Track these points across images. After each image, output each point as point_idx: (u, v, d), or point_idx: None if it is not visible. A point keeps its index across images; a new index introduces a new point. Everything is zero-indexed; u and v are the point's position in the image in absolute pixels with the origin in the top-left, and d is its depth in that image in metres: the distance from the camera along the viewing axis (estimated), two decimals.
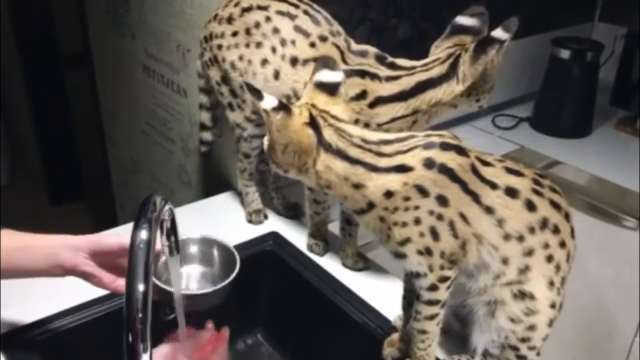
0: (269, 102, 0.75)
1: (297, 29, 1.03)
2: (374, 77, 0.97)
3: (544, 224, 0.79)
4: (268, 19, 1.05)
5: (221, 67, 1.11)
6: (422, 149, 0.75)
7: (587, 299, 1.56)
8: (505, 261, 0.79)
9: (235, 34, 1.07)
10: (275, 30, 1.04)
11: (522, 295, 0.80)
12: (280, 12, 1.04)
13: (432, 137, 0.76)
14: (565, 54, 1.67)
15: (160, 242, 0.73)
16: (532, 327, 0.80)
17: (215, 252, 0.94)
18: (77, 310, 0.97)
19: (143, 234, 0.59)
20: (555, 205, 0.80)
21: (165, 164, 1.75)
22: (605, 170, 1.57)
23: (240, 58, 1.07)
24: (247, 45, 1.06)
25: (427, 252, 0.76)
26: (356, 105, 0.97)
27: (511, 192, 0.77)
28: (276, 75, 1.04)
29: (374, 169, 0.75)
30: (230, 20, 1.08)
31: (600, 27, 1.96)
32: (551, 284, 0.80)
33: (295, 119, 0.75)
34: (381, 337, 0.95)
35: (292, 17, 1.04)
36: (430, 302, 0.80)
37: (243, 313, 1.12)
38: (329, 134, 0.76)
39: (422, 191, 0.74)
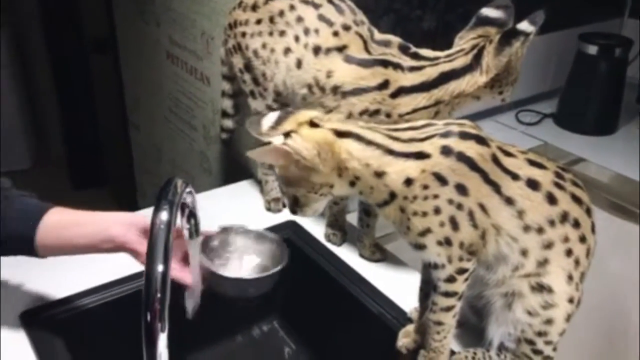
0: (277, 139, 0.75)
1: (321, 17, 1.02)
2: (396, 67, 0.97)
3: (564, 217, 0.78)
4: (292, 7, 1.05)
5: (244, 54, 1.11)
6: (440, 137, 0.75)
7: (606, 298, 1.55)
8: (524, 253, 0.78)
9: (259, 21, 1.08)
10: (299, 19, 1.04)
11: (540, 287, 0.79)
12: (304, 1, 1.04)
13: (451, 126, 0.76)
14: (592, 49, 1.64)
15: (180, 225, 0.74)
16: (549, 321, 0.80)
17: (266, 245, 0.97)
18: (98, 290, 0.99)
19: (163, 216, 0.60)
20: (576, 199, 0.80)
21: (187, 151, 1.77)
22: (630, 169, 1.54)
23: (264, 46, 1.08)
24: (271, 34, 1.07)
25: (447, 242, 0.76)
26: (378, 95, 0.97)
27: (532, 184, 0.77)
28: (298, 64, 1.04)
29: (389, 151, 0.75)
30: (254, 7, 1.08)
31: (630, 23, 1.92)
32: (570, 278, 0.79)
33: (307, 133, 0.75)
34: (396, 328, 0.95)
35: (317, 5, 1.03)
36: (447, 294, 0.80)
37: (260, 300, 1.13)
38: (335, 124, 0.77)
39: (441, 179, 0.74)
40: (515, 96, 1.78)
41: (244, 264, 0.96)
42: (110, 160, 2.83)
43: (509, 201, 0.76)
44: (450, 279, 0.78)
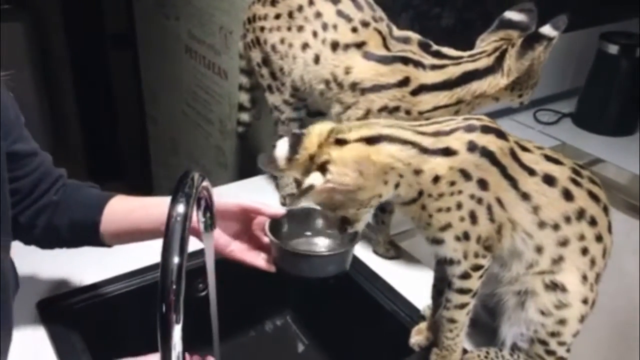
0: (315, 178, 0.70)
1: (340, 13, 1.03)
2: (417, 64, 0.97)
3: (580, 214, 0.78)
4: (311, 2, 1.05)
5: (263, 49, 1.12)
6: (464, 131, 0.74)
7: (623, 300, 1.53)
8: (539, 250, 0.78)
9: (278, 16, 1.08)
10: (318, 14, 1.04)
11: (554, 286, 0.79)
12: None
13: (471, 120, 0.75)
14: (613, 49, 1.62)
15: (196, 217, 0.74)
16: (562, 322, 0.79)
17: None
18: (114, 281, 1.00)
19: (180, 208, 0.60)
20: (593, 196, 0.79)
21: (203, 145, 1.78)
22: None
23: (282, 41, 1.08)
24: (289, 29, 1.07)
25: (465, 237, 0.75)
26: (398, 92, 0.97)
27: (549, 180, 0.77)
28: (316, 59, 1.04)
29: (423, 149, 0.73)
30: (274, 2, 1.09)
31: None
32: (584, 278, 0.79)
33: (340, 157, 0.71)
34: (409, 325, 0.95)
35: (335, 1, 1.04)
36: (462, 291, 0.80)
37: (273, 294, 1.13)
38: (360, 131, 0.73)
39: (466, 175, 0.73)
40: (534, 95, 1.77)
41: (319, 242, 0.92)
42: (128, 154, 2.85)
43: (525, 196, 0.76)
44: (465, 276, 0.78)
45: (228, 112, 1.57)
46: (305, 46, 1.05)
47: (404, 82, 0.96)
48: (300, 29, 1.05)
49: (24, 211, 0.86)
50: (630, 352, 1.58)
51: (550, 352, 0.81)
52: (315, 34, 1.04)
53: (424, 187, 0.74)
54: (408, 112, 0.97)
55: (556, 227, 0.77)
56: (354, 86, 1.00)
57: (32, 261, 1.02)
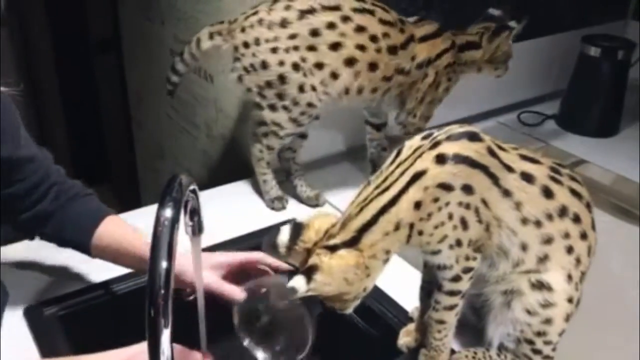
0: (299, 283, 0.71)
1: (382, 21, 1.14)
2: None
3: (562, 211, 0.78)
4: (347, 18, 1.11)
5: (270, 70, 1.12)
6: (429, 150, 0.75)
7: (609, 301, 1.55)
8: (524, 247, 0.78)
9: (293, 36, 1.10)
10: (360, 28, 1.12)
11: (539, 285, 0.80)
12: (358, 10, 1.12)
13: (437, 137, 0.76)
14: (595, 51, 1.65)
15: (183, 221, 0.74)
16: (548, 321, 0.80)
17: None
18: (101, 286, 1.00)
19: (168, 213, 0.60)
20: (575, 194, 0.80)
21: (189, 149, 1.77)
22: (632, 171, 1.54)
23: (303, 60, 1.11)
24: (312, 48, 1.11)
25: (458, 244, 0.76)
26: (450, 53, 1.24)
27: (527, 177, 0.78)
28: (372, 67, 1.14)
29: (391, 203, 0.74)
30: (284, 24, 1.10)
31: (633, 25, 1.92)
32: (569, 277, 0.80)
33: (328, 266, 0.73)
34: (397, 327, 0.95)
35: (371, 12, 1.13)
36: (452, 293, 0.80)
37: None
38: (346, 234, 0.75)
39: (447, 187, 0.74)
40: (518, 97, 1.80)
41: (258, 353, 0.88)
42: (114, 158, 2.83)
43: (507, 193, 0.76)
44: (456, 278, 0.79)
45: (214, 116, 1.57)
46: (350, 61, 1.12)
47: (453, 45, 1.25)
48: (336, 46, 1.11)
49: (19, 215, 0.89)
50: (617, 350, 1.60)
51: (537, 351, 0.82)
52: (362, 48, 1.12)
53: (410, 220, 0.74)
54: (456, 63, 1.26)
55: (538, 223, 0.78)
56: (420, 65, 1.21)
57: (19, 268, 1.01)
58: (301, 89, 1.13)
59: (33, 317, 0.93)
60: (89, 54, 2.62)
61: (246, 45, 1.13)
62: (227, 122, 1.52)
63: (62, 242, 0.93)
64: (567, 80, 1.74)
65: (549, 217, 0.78)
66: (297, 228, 0.77)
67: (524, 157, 0.80)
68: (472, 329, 0.92)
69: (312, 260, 0.74)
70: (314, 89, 1.14)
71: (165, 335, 0.57)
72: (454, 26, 1.28)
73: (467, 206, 0.75)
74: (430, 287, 0.86)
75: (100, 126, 2.84)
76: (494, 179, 0.76)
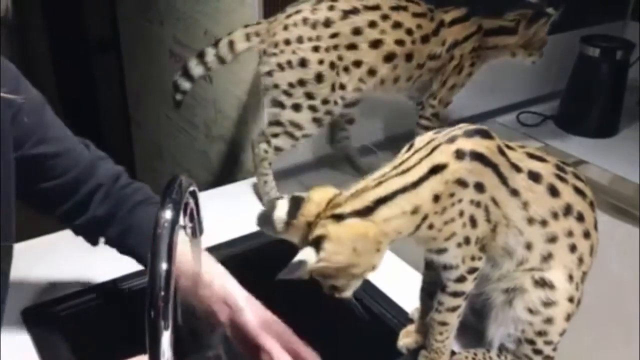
0: (308, 255, 0.69)
1: (415, 15, 1.21)
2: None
3: (567, 210, 0.79)
4: (386, 17, 1.17)
5: (309, 69, 1.14)
6: (447, 143, 0.74)
7: (608, 301, 1.55)
8: (529, 246, 0.79)
9: (334, 35, 1.14)
10: (397, 24, 1.18)
11: (542, 282, 0.79)
12: (394, 8, 1.19)
13: (451, 133, 0.76)
14: (594, 52, 1.64)
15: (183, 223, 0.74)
16: (549, 320, 0.80)
17: None
18: (100, 287, 0.99)
19: (168, 214, 0.60)
20: (579, 192, 0.80)
21: (188, 150, 1.77)
22: (631, 171, 1.54)
23: (340, 58, 1.15)
24: (352, 46, 1.15)
25: (466, 242, 0.75)
26: (477, 37, 1.30)
27: (534, 176, 0.78)
28: (408, 57, 1.21)
29: (413, 185, 0.72)
30: (327, 23, 1.14)
31: (632, 26, 1.92)
32: (571, 277, 0.80)
33: (336, 234, 0.70)
34: (397, 328, 0.95)
35: (405, 8, 1.20)
36: (456, 294, 0.80)
37: (259, 298, 1.13)
38: (354, 203, 0.72)
39: (462, 183, 0.73)
40: (517, 98, 1.80)
41: None
42: (112, 158, 2.83)
43: (515, 193, 0.76)
44: (461, 279, 0.79)
45: (213, 116, 1.57)
46: (389, 57, 1.18)
47: (479, 29, 1.30)
48: (376, 43, 1.17)
49: (69, 219, 0.87)
50: (614, 352, 1.60)
51: (538, 352, 0.82)
52: (400, 42, 1.19)
53: (426, 211, 0.73)
54: (481, 47, 1.32)
55: (544, 223, 0.78)
56: (450, 47, 1.27)
57: (17, 268, 1.01)
58: (332, 87, 1.16)
59: (32, 318, 0.93)
60: (88, 55, 2.61)
61: (287, 42, 1.14)
62: (226, 122, 1.52)
63: (124, 249, 0.89)
64: (566, 80, 1.73)
65: (555, 215, 0.78)
66: (296, 201, 0.73)
67: (531, 155, 0.80)
68: (472, 330, 0.92)
69: (318, 230, 0.70)
70: (342, 87, 1.18)
71: (166, 337, 0.57)
72: (491, 12, 1.33)
73: (478, 204, 0.74)
74: (430, 288, 0.86)
75: (99, 126, 2.84)
76: (503, 179, 0.76)
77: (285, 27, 1.15)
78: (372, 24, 1.16)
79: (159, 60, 1.77)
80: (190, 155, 1.78)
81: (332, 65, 1.15)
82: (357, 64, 1.17)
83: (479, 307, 0.87)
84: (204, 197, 1.17)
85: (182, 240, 0.73)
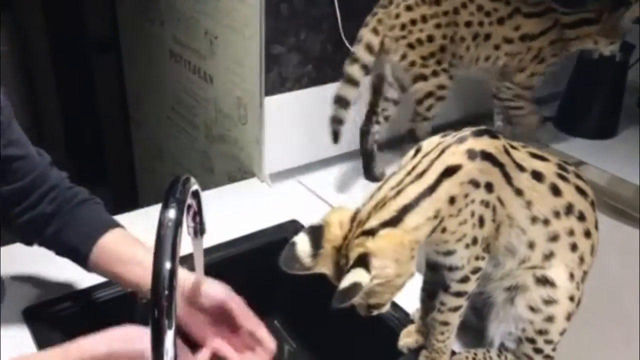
0: (361, 276, 0.68)
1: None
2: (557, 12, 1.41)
3: (569, 209, 0.79)
4: (471, 1, 1.29)
5: (435, 43, 1.27)
6: (457, 144, 0.74)
7: (606, 302, 1.55)
8: (531, 245, 0.79)
9: (445, 13, 1.28)
10: (480, 7, 1.30)
11: (544, 280, 0.80)
12: None
13: (460, 133, 0.76)
14: (594, 53, 1.65)
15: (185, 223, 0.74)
16: (550, 319, 0.80)
17: None
18: (102, 287, 0.99)
19: (171, 214, 0.60)
20: (581, 191, 0.81)
21: (188, 150, 1.77)
22: (630, 173, 1.55)
23: (444, 37, 1.29)
24: (452, 24, 1.28)
25: (474, 242, 0.75)
26: (554, 31, 1.39)
27: (537, 176, 0.78)
28: (487, 37, 1.33)
29: (430, 189, 0.72)
30: (439, 2, 1.27)
31: (632, 27, 1.92)
32: (572, 276, 0.80)
33: (379, 249, 0.69)
34: (398, 328, 0.95)
35: None
36: (459, 294, 0.80)
37: (261, 300, 1.13)
38: (381, 215, 0.71)
39: (475, 183, 0.73)
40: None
41: None
42: (112, 158, 2.83)
43: (519, 192, 0.77)
44: (465, 279, 0.79)
45: (213, 116, 1.57)
46: (476, 36, 1.32)
47: (555, 23, 1.39)
48: (468, 24, 1.30)
49: (16, 218, 0.86)
50: (614, 352, 1.60)
51: (538, 351, 0.83)
52: (481, 24, 1.31)
53: (443, 214, 0.73)
54: (562, 40, 1.41)
55: (546, 222, 0.78)
56: (523, 38, 1.35)
57: (18, 268, 1.01)
58: (460, 57, 1.33)
59: (33, 317, 0.93)
60: (88, 55, 2.61)
61: (413, 22, 1.25)
62: (226, 122, 1.52)
63: (60, 248, 0.89)
64: (565, 82, 1.74)
65: (556, 214, 0.78)
66: (315, 231, 0.72)
67: (534, 155, 0.80)
68: (473, 329, 0.92)
69: (357, 249, 0.69)
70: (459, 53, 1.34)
71: (169, 336, 0.57)
72: (572, 5, 1.41)
73: (487, 204, 0.74)
74: (431, 289, 0.87)
75: (98, 126, 2.84)
76: (508, 178, 0.76)
77: (409, 8, 1.25)
78: (464, 5, 1.29)
79: (159, 61, 1.77)
80: (190, 155, 1.78)
81: (445, 37, 1.29)
82: (462, 39, 1.31)
83: (480, 306, 0.87)
84: (204, 197, 1.17)
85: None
